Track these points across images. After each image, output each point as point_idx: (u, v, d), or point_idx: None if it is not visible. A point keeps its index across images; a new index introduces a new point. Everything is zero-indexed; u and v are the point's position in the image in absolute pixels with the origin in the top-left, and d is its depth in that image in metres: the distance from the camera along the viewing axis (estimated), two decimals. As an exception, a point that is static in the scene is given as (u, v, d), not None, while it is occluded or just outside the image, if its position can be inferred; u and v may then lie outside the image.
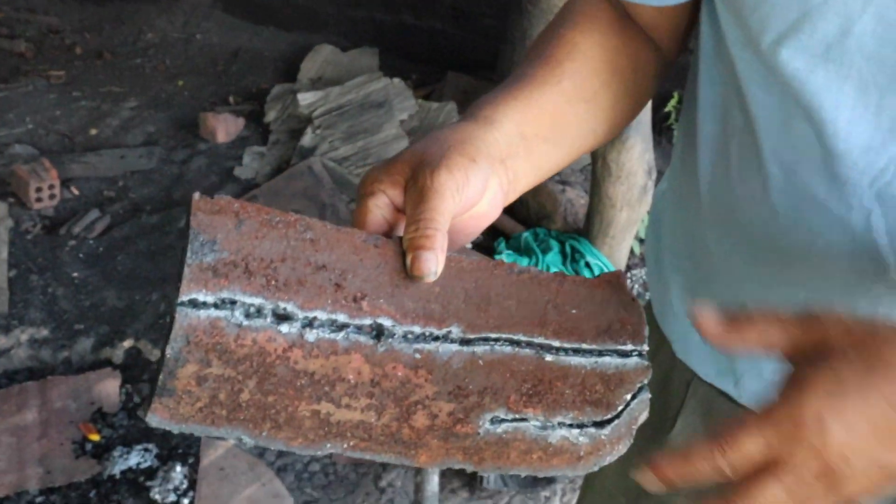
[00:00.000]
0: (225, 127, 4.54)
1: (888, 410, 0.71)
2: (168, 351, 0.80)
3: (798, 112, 1.04)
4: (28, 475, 2.80)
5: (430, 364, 0.89)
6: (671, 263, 1.26)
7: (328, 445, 0.86)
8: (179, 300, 0.81)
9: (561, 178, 4.16)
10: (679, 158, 1.26)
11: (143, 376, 3.25)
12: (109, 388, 3.12)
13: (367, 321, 0.88)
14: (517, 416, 0.89)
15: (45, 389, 3.10)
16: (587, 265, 3.63)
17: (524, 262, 3.73)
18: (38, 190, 4.01)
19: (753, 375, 1.16)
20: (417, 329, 0.89)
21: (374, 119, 4.32)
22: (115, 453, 2.89)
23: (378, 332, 0.88)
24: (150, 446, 2.92)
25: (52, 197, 4.05)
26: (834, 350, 0.74)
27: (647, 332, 0.96)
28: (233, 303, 0.84)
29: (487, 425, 0.89)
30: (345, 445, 0.86)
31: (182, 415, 0.81)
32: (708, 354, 1.22)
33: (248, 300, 0.84)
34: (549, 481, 2.87)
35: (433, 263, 0.85)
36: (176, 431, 0.78)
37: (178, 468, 2.84)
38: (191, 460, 2.88)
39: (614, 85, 1.15)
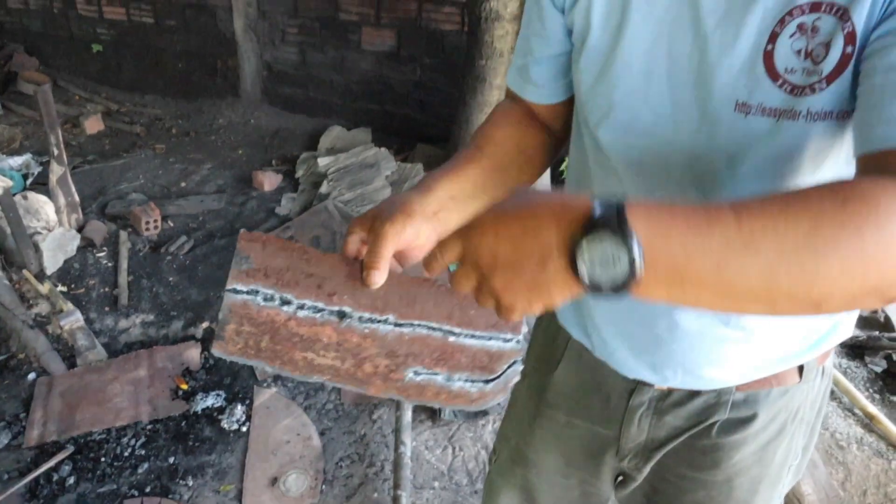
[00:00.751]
0: (269, 181, 4.51)
1: (517, 236, 0.68)
2: (220, 315, 0.92)
3: (608, 163, 1.07)
4: (141, 411, 2.80)
5: (374, 335, 0.94)
6: None
7: (314, 377, 0.93)
8: (226, 288, 0.94)
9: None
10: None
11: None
12: (193, 354, 3.12)
13: (336, 308, 0.94)
14: (430, 371, 0.93)
15: (151, 355, 3.10)
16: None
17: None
18: (147, 223, 3.99)
19: (597, 337, 1.17)
20: (367, 315, 0.95)
21: (368, 175, 4.29)
22: (198, 397, 2.89)
23: (342, 315, 0.94)
24: (221, 392, 2.92)
25: (155, 227, 4.03)
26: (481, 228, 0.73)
27: (523, 327, 0.97)
28: (256, 292, 0.94)
29: (411, 375, 0.94)
30: (324, 378, 0.93)
31: (229, 351, 0.91)
32: (575, 323, 1.23)
33: (266, 291, 0.94)
34: (485, 413, 2.79)
35: (378, 277, 0.91)
36: (228, 360, 0.89)
37: (239, 407, 2.84)
38: (247, 402, 2.87)
39: (520, 160, 1.17)
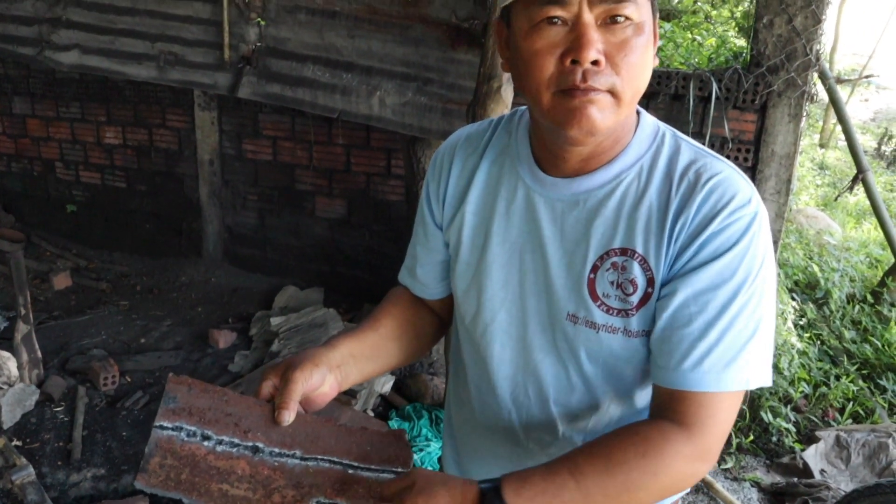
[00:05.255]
0: (224, 338, 4.56)
1: None
2: (146, 449, 0.98)
3: (479, 355, 1.24)
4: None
5: (282, 468, 1.03)
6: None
7: None
8: (154, 424, 1.01)
9: (433, 371, 4.21)
10: (451, 382, 1.46)
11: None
12: (140, 509, 3.11)
13: (250, 444, 1.03)
14: (331, 501, 1.01)
15: (99, 510, 3.10)
16: (447, 426, 3.59)
17: (407, 426, 3.69)
18: (105, 378, 4.02)
19: None
20: (277, 450, 1.04)
21: (316, 334, 4.38)
22: (141, 552, 2.88)
23: (255, 449, 1.03)
24: (164, 547, 2.92)
25: (113, 383, 4.05)
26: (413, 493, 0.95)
27: (412, 462, 1.08)
28: (181, 428, 1.02)
29: None
30: None
31: (151, 483, 0.97)
32: None
33: (189, 428, 1.02)
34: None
35: (287, 416, 1.04)
36: (148, 493, 0.97)
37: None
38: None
39: (410, 333, 1.32)
